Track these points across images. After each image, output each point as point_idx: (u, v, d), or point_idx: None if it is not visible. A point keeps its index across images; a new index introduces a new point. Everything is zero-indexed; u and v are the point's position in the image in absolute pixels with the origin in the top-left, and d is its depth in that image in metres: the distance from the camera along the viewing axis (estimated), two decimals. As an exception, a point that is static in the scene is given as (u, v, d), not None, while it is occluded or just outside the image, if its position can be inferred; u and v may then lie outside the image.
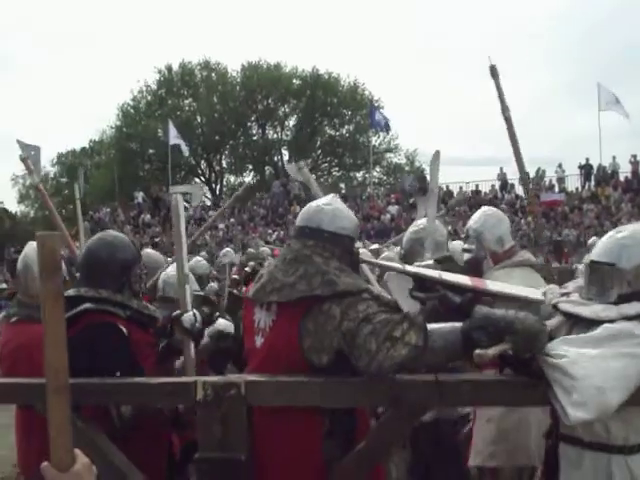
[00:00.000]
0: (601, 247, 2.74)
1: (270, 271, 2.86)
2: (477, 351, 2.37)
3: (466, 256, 4.21)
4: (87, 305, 3.17)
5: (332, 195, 3.09)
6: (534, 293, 3.06)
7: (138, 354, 3.21)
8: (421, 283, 3.25)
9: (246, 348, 2.96)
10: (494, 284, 3.15)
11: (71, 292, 3.27)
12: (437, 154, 4.88)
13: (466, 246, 4.26)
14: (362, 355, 2.50)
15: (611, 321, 2.53)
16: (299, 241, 2.87)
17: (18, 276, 4.12)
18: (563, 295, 2.91)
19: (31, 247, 4.14)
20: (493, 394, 2.69)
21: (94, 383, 2.85)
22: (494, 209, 4.46)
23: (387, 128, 35.77)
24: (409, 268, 3.29)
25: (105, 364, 2.99)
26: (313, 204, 2.99)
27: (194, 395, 2.70)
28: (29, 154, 4.78)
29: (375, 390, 2.62)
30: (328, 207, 2.92)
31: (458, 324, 2.50)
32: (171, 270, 4.96)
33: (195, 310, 3.61)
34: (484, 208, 4.43)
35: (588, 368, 2.35)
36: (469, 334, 2.45)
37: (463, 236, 4.44)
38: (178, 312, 3.57)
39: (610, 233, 2.79)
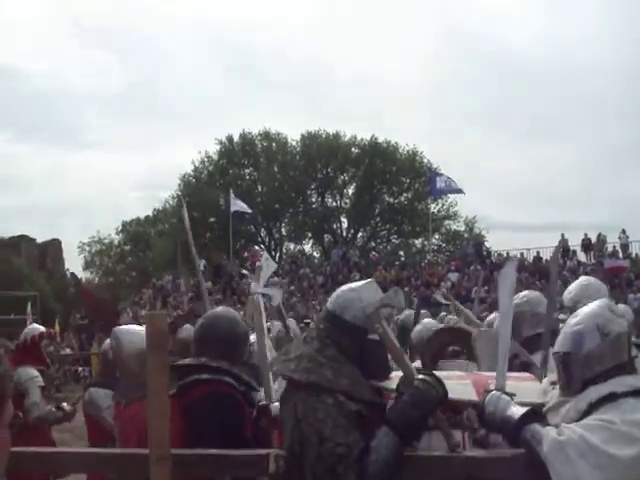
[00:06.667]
0: (560, 337, 2.82)
1: (292, 344, 3.01)
2: None
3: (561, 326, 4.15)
4: (208, 375, 3.33)
5: (369, 280, 2.99)
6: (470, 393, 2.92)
7: (244, 426, 3.35)
8: None
9: None
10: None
11: (191, 361, 3.47)
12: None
13: (561, 316, 4.21)
14: (307, 473, 2.61)
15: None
16: (318, 321, 2.95)
17: (112, 360, 4.25)
18: (552, 383, 2.95)
19: (122, 331, 4.26)
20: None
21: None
22: (592, 279, 4.40)
23: (457, 191, 35.52)
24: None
25: (225, 431, 3.15)
26: (344, 286, 2.97)
27: (266, 467, 2.73)
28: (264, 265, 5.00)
29: (450, 465, 2.61)
30: (350, 293, 2.87)
31: (387, 428, 2.58)
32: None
33: None
34: (581, 278, 4.40)
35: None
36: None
37: (559, 306, 4.37)
38: (264, 403, 3.66)
39: (568, 320, 2.87)
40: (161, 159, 79.72)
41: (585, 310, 2.83)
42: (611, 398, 2.56)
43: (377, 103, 71.62)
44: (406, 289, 29.53)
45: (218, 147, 49.67)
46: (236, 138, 49.44)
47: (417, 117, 70.13)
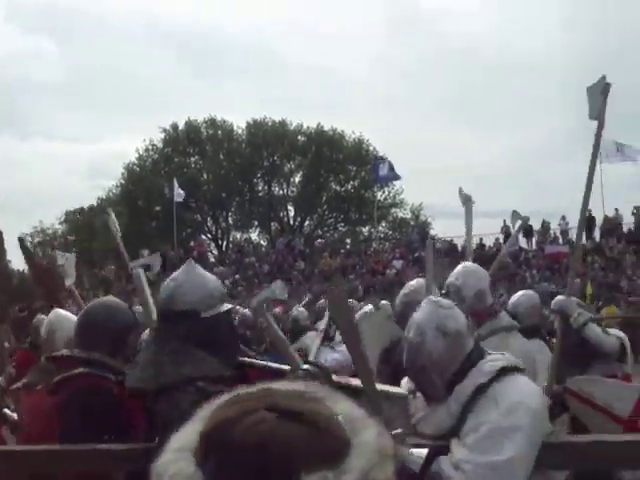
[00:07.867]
0: (406, 353, 2.79)
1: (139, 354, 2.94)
2: None
3: None
4: (81, 369, 3.21)
5: (186, 264, 2.94)
6: (396, 388, 2.95)
7: (130, 419, 3.21)
8: None
9: None
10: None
11: (64, 352, 3.35)
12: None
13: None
14: None
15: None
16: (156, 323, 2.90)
17: (42, 343, 4.16)
18: (411, 392, 2.91)
19: (56, 314, 4.17)
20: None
21: (82, 450, 2.84)
22: (475, 265, 4.44)
23: (395, 177, 36.06)
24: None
25: (95, 428, 3.00)
26: (166, 281, 2.91)
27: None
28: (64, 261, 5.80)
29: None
30: (170, 284, 2.84)
31: None
32: None
33: None
34: (464, 263, 4.42)
35: None
36: None
37: (444, 292, 4.37)
38: None
39: (405, 335, 2.84)
40: (105, 148, 78.21)
41: (417, 318, 2.77)
42: (480, 391, 2.56)
43: (325, 91, 71.40)
44: (351, 276, 29.68)
45: (163, 135, 49.10)
46: (181, 126, 48.92)
47: (366, 106, 70.13)
